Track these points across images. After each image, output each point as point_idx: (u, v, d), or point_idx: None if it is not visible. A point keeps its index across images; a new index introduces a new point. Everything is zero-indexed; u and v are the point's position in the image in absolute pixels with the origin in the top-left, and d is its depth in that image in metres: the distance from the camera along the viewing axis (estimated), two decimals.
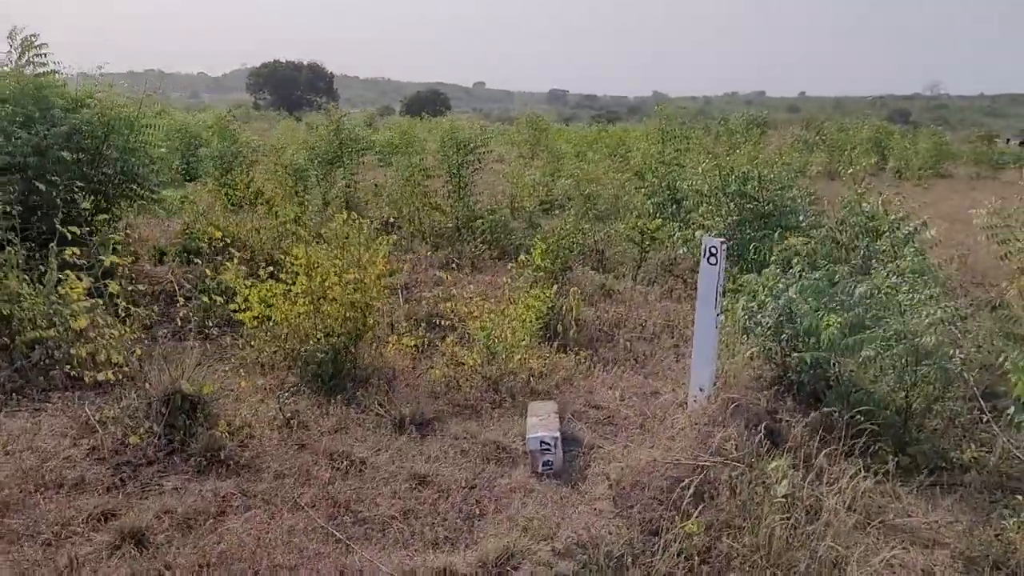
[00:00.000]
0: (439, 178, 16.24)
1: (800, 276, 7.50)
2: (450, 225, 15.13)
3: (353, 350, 8.02)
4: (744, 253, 10.12)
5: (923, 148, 33.86)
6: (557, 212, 19.71)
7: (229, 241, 11.84)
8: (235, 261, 7.78)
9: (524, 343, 8.00)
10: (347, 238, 8.51)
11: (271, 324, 8.07)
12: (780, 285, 7.48)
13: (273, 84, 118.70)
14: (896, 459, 6.49)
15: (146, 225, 14.11)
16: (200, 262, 11.37)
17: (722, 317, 7.25)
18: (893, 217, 7.98)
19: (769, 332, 7.51)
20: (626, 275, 11.68)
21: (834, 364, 7.25)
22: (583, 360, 8.34)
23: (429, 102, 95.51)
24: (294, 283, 7.85)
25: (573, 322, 8.83)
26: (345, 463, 6.16)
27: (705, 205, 10.61)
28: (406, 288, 11.14)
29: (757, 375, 7.72)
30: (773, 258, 7.63)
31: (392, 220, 14.72)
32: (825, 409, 6.93)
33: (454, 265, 12.55)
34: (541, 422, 6.33)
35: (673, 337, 9.26)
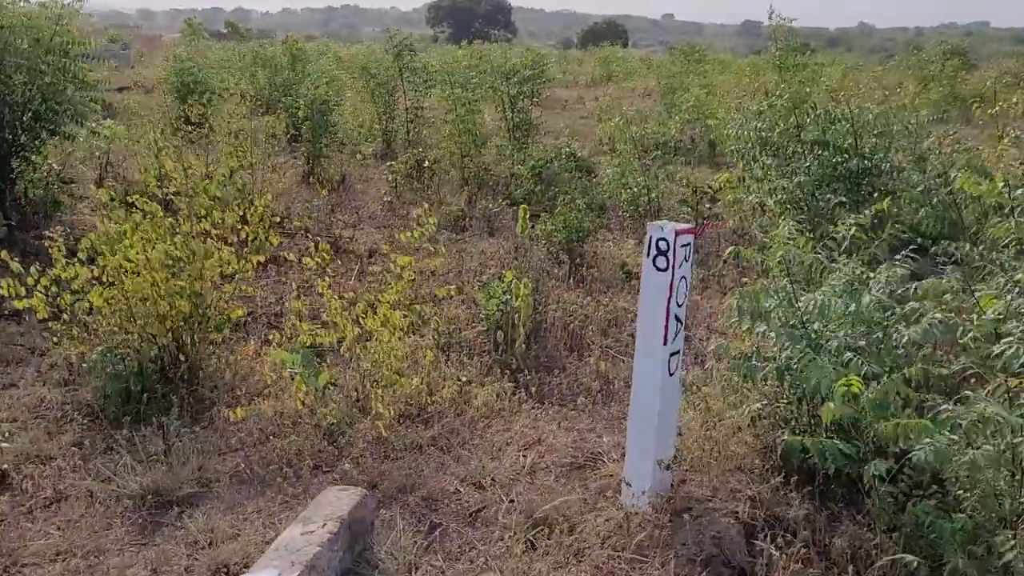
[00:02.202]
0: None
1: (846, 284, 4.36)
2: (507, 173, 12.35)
3: (183, 358, 5.61)
4: (820, 229, 6.83)
5: None
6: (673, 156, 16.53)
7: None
8: None
9: (426, 366, 5.29)
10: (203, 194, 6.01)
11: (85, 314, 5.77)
12: (803, 301, 4.35)
13: (452, 17, 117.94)
14: None
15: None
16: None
17: (680, 361, 4.23)
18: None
19: (777, 381, 4.43)
20: None
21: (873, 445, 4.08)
22: (510, 393, 5.51)
23: (607, 35, 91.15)
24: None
25: (522, 329, 5.95)
26: None
27: (768, 157, 7.28)
28: (373, 256, 8.58)
29: (762, 446, 4.65)
30: (777, 252, 4.40)
31: (426, 162, 12.07)
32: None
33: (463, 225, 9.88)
34: (299, 539, 3.64)
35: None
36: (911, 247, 4.90)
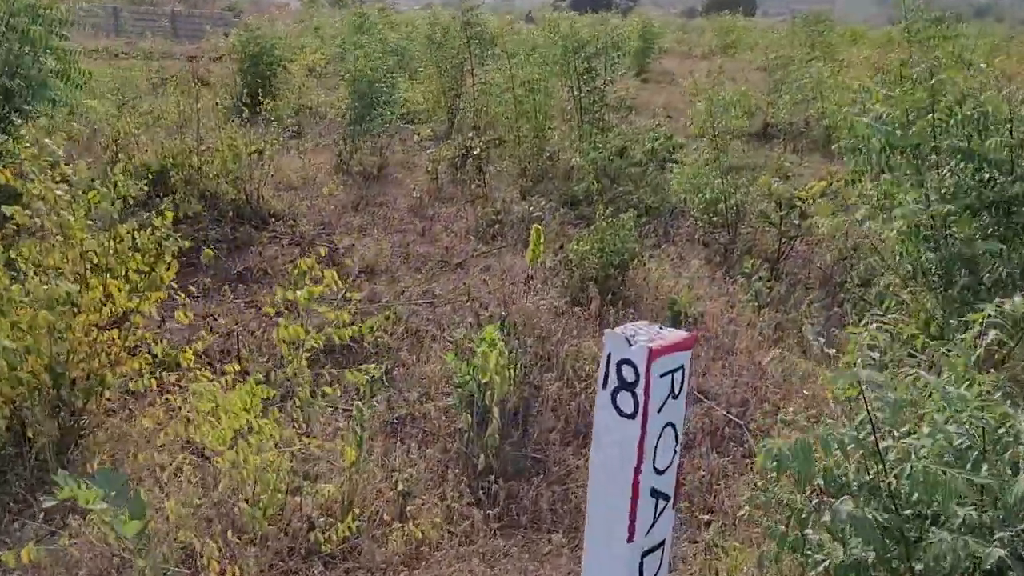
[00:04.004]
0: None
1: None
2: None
3: (31, 436, 4.17)
4: (950, 280, 4.84)
5: None
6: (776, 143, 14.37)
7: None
8: None
9: (346, 470, 3.68)
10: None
11: None
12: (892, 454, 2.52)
13: None
14: None
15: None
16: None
17: (666, 557, 2.43)
18: None
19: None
20: (742, 277, 6.56)
21: None
22: (459, 514, 3.82)
23: (732, 3, 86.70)
24: None
25: (495, 411, 4.22)
26: None
27: (887, 163, 5.24)
28: (363, 274, 7.00)
29: None
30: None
31: (476, 149, 10.35)
32: None
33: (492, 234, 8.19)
34: None
35: (727, 451, 4.37)
36: None
